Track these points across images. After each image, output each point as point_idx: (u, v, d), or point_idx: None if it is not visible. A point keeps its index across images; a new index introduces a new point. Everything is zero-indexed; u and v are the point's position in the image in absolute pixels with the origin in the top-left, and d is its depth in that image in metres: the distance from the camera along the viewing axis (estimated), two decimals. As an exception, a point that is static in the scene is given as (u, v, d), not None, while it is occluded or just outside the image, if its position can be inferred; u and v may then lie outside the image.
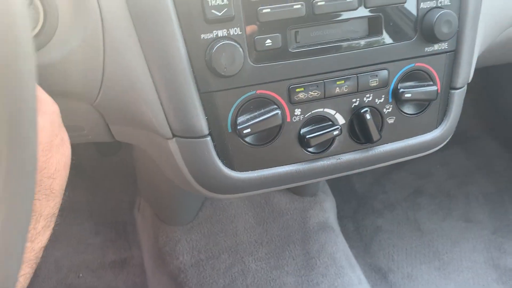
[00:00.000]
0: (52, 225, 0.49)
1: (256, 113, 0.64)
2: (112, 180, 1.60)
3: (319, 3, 0.62)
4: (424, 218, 1.56)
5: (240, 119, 0.63)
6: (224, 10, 0.58)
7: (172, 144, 0.65)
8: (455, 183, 1.67)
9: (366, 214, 1.60)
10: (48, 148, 0.46)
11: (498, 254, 1.45)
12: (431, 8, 0.67)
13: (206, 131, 0.63)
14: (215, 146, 0.64)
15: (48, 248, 0.51)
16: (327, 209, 1.43)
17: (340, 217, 1.53)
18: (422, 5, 0.67)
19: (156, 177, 1.22)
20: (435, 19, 0.65)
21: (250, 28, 0.60)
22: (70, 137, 0.80)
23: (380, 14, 0.65)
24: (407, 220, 1.56)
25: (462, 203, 1.59)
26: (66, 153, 0.50)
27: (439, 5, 0.67)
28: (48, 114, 0.48)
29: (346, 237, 1.44)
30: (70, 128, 0.75)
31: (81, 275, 1.40)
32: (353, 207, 1.62)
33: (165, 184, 1.20)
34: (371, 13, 0.65)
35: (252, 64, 0.62)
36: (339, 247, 1.33)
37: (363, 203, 1.63)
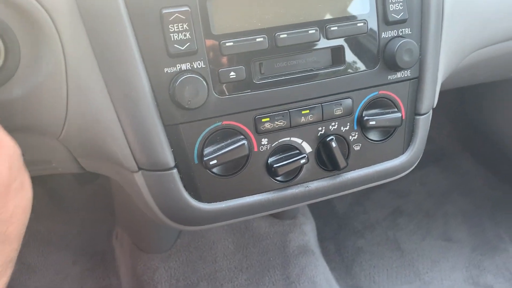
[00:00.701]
0: (9, 272, 0.47)
1: (222, 144, 0.64)
2: (90, 208, 1.57)
3: (281, 36, 0.63)
4: (404, 237, 1.57)
5: (207, 150, 0.63)
6: (187, 45, 0.59)
7: (138, 177, 0.65)
8: (434, 201, 1.69)
9: (347, 235, 1.60)
10: (5, 192, 0.45)
11: (477, 272, 1.46)
12: (393, 38, 0.69)
13: (172, 163, 0.63)
14: (181, 178, 0.64)
15: (26, 280, 0.49)
16: (307, 231, 1.43)
17: (321, 239, 1.53)
18: (383, 35, 0.68)
19: (133, 206, 1.20)
20: (396, 48, 0.67)
21: (214, 61, 0.61)
22: (39, 170, 0.79)
23: (342, 44, 0.67)
24: (387, 240, 1.57)
25: (441, 222, 1.61)
26: (26, 197, 0.49)
27: (400, 34, 0.69)
28: (6, 157, 0.47)
29: (327, 259, 1.43)
30: (37, 162, 0.75)
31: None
32: (334, 228, 1.62)
33: (142, 212, 1.19)
34: (333, 44, 0.66)
35: (217, 96, 0.62)
36: (319, 270, 1.33)
37: (344, 224, 1.63)
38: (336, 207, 1.69)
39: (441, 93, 0.79)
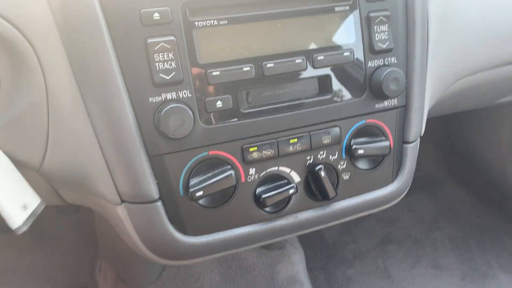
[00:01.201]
0: None
1: (209, 174, 0.63)
2: (72, 240, 1.52)
3: (268, 65, 0.63)
4: (394, 266, 1.55)
5: (193, 181, 0.62)
6: (173, 74, 0.58)
7: (121, 210, 0.62)
8: (422, 229, 1.68)
9: (336, 264, 1.57)
10: None
11: (468, 301, 1.44)
12: (379, 67, 0.69)
13: (156, 195, 0.61)
14: (166, 211, 0.62)
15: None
16: (295, 262, 1.40)
17: (311, 269, 1.50)
18: (370, 64, 0.69)
19: (117, 237, 1.17)
20: (382, 77, 0.67)
21: (200, 90, 0.60)
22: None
23: (329, 73, 0.67)
24: (377, 268, 1.55)
25: (430, 249, 1.60)
26: None
27: (386, 63, 0.70)
28: None
29: (317, 290, 1.40)
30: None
31: None
32: (323, 258, 1.59)
33: (126, 244, 1.15)
34: (320, 73, 0.66)
35: (203, 125, 0.61)
36: (309, 302, 1.30)
37: (333, 254, 1.61)
38: (325, 236, 1.67)
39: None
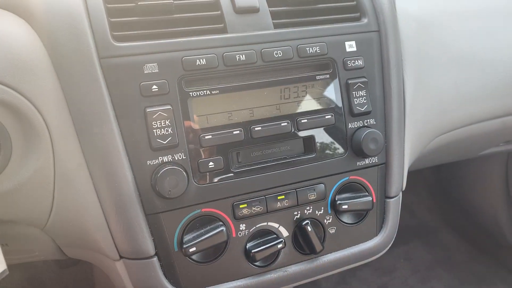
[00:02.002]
0: None
1: (202, 231, 0.67)
2: (71, 293, 1.53)
3: (256, 129, 0.69)
4: (392, 317, 1.55)
5: (186, 238, 0.66)
6: (169, 139, 0.64)
7: (120, 266, 0.66)
8: (419, 278, 1.68)
9: (333, 316, 1.57)
10: None
11: None
12: (359, 128, 0.75)
13: (152, 251, 0.65)
14: (161, 266, 0.66)
15: None
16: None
17: (308, 320, 1.49)
18: (350, 126, 0.75)
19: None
20: (362, 137, 0.73)
21: (194, 153, 0.66)
22: (21, 258, 0.80)
23: (313, 134, 0.72)
24: (376, 319, 1.54)
25: (427, 299, 1.60)
26: None
27: (366, 124, 0.76)
28: None
29: None
30: (21, 251, 0.76)
31: None
32: (320, 309, 1.59)
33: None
34: (305, 134, 0.72)
35: (196, 184, 0.66)
36: None
37: (330, 304, 1.60)
38: (322, 286, 1.67)
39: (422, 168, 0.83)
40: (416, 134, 0.83)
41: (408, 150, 0.82)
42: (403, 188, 0.81)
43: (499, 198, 1.67)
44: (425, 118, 0.84)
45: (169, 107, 0.64)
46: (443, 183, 1.94)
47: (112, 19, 0.65)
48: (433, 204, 1.96)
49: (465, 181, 1.82)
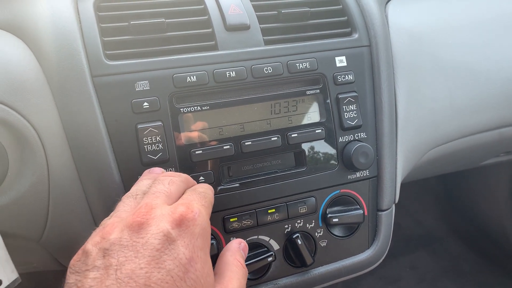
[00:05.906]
0: None
1: (193, 244, 0.68)
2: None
3: (246, 143, 0.70)
4: (396, 326, 1.54)
5: (178, 251, 0.67)
6: (159, 155, 0.66)
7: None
8: (425, 287, 1.67)
9: (338, 325, 1.56)
10: None
11: None
12: (349, 141, 0.76)
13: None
14: (153, 279, 0.67)
15: None
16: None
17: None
18: (341, 139, 0.75)
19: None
20: (352, 151, 0.74)
21: (184, 168, 0.67)
22: (20, 269, 0.82)
23: (303, 148, 0.73)
24: (380, 329, 1.53)
25: (433, 309, 1.58)
26: None
27: (356, 138, 0.76)
28: None
29: None
30: (19, 263, 0.78)
31: None
32: (324, 318, 1.59)
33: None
34: (295, 148, 0.73)
35: (187, 199, 0.67)
36: None
37: (334, 313, 1.60)
38: (326, 295, 1.67)
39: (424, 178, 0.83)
40: (409, 147, 0.83)
41: (401, 163, 0.82)
42: (396, 201, 0.82)
43: (505, 207, 1.65)
44: (418, 131, 0.84)
45: (160, 123, 0.66)
46: (449, 192, 1.92)
47: (105, 38, 0.67)
48: (439, 213, 1.95)
49: (471, 190, 1.80)
